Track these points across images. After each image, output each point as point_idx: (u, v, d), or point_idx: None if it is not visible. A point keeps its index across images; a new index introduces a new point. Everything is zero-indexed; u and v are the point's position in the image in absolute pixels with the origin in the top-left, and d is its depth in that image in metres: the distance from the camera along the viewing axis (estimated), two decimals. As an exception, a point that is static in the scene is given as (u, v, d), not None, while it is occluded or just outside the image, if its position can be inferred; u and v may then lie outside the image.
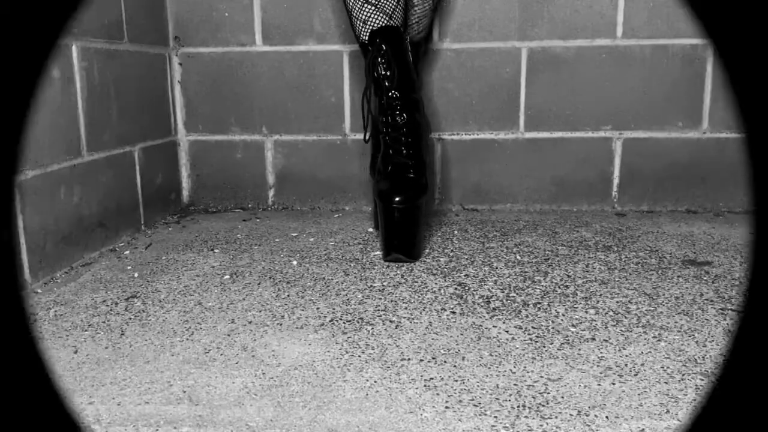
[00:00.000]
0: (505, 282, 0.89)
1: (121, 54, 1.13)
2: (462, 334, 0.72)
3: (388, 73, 1.01)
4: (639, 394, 0.59)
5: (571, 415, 0.55)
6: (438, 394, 0.59)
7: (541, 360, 0.66)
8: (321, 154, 1.36)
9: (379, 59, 1.02)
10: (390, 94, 1.01)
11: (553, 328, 0.74)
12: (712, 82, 1.27)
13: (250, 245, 1.10)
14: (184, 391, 0.61)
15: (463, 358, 0.66)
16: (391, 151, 1.00)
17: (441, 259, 1.00)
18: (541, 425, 0.54)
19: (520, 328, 0.74)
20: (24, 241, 0.87)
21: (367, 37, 1.04)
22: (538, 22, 1.28)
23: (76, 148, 1.00)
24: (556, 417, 0.55)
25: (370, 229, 1.19)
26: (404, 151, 0.99)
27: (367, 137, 1.07)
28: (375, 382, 0.62)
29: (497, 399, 0.58)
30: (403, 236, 0.96)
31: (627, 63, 1.28)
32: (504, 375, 0.63)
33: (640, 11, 1.26)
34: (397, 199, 0.95)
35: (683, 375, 0.62)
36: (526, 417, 0.55)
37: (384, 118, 1.01)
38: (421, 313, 0.78)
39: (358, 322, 0.76)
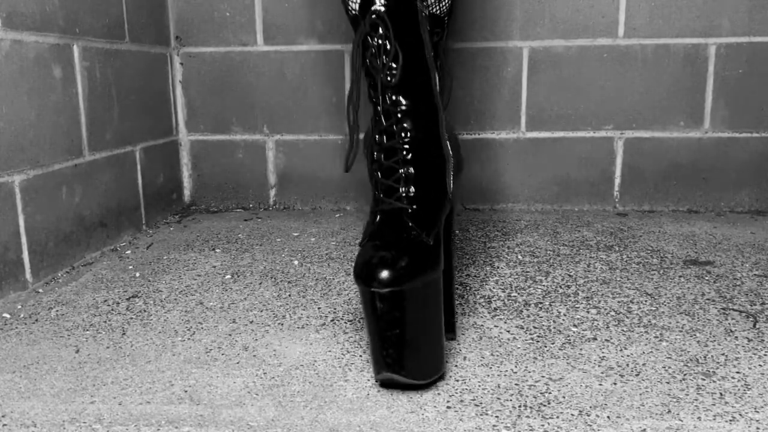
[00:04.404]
0: (507, 282, 0.89)
1: (123, 54, 1.13)
2: (463, 334, 0.72)
3: (387, 63, 0.65)
4: (640, 394, 0.59)
5: (572, 415, 0.55)
6: (439, 393, 0.59)
7: (543, 360, 0.66)
8: (322, 154, 1.36)
9: (374, 39, 0.65)
10: (387, 97, 0.65)
11: (554, 327, 0.74)
12: (714, 82, 1.27)
13: (251, 245, 1.10)
14: (186, 391, 0.61)
15: (465, 358, 0.66)
16: (380, 193, 0.63)
17: (442, 258, 1.00)
18: (543, 425, 0.54)
19: (522, 327, 0.74)
20: (25, 241, 0.87)
21: (357, 5, 0.69)
22: (540, 22, 1.28)
23: (77, 147, 1.00)
24: (558, 417, 0.55)
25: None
26: (401, 190, 0.62)
27: (349, 163, 0.69)
28: (376, 381, 0.62)
29: (498, 399, 0.58)
30: (396, 343, 0.56)
31: (628, 62, 1.28)
32: (505, 375, 0.63)
33: (642, 11, 1.26)
34: (380, 276, 0.55)
35: (685, 375, 0.62)
36: (527, 417, 0.55)
37: (376, 136, 0.66)
38: (422, 312, 0.78)
39: (360, 322, 0.76)
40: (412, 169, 0.63)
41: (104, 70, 1.07)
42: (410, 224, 0.61)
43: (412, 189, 0.62)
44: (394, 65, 0.65)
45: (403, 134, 0.64)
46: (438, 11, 0.79)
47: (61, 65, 0.95)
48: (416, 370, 0.57)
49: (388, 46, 0.64)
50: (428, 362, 0.58)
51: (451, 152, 0.68)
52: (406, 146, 0.64)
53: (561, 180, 1.33)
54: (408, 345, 0.57)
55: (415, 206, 0.62)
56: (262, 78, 1.34)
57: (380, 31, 0.64)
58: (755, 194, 1.30)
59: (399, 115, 0.65)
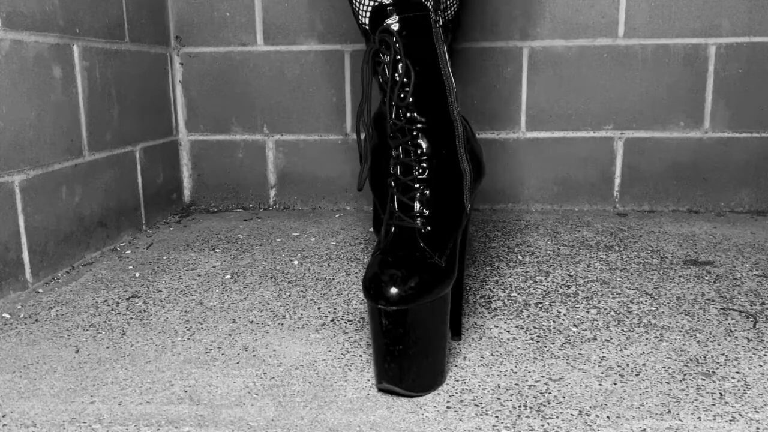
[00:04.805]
0: (507, 282, 0.89)
1: (123, 54, 1.13)
2: (463, 334, 0.72)
3: (399, 80, 0.64)
4: (640, 394, 0.59)
5: (572, 415, 0.55)
6: (439, 393, 0.59)
7: (543, 360, 0.66)
8: (322, 154, 1.36)
9: (384, 56, 0.64)
10: (402, 113, 0.64)
11: (554, 328, 0.74)
12: (714, 82, 1.27)
13: (251, 245, 1.10)
14: (186, 391, 0.61)
15: (465, 358, 0.66)
16: (395, 207, 0.63)
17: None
18: (543, 425, 0.54)
19: (522, 327, 0.74)
20: (25, 241, 0.87)
21: (367, 19, 0.67)
22: (540, 22, 1.28)
23: (77, 147, 1.00)
24: (558, 417, 0.55)
25: (371, 229, 1.19)
26: (416, 209, 0.62)
27: (362, 181, 0.68)
28: (376, 387, 0.62)
29: (498, 399, 0.58)
30: (398, 358, 0.57)
31: (628, 62, 1.28)
32: (505, 375, 0.63)
33: (642, 11, 1.26)
34: (388, 295, 0.56)
35: (685, 375, 0.62)
36: (527, 417, 0.55)
37: (392, 151, 0.65)
38: (422, 312, 0.78)
39: (360, 322, 0.76)
40: (427, 190, 0.63)
41: (104, 70, 1.07)
42: (422, 245, 0.60)
43: (427, 210, 0.62)
44: (406, 81, 0.63)
45: (419, 151, 0.64)
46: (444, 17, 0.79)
47: (61, 65, 0.95)
48: (416, 384, 0.59)
49: (400, 64, 0.63)
50: (428, 377, 0.59)
51: (470, 166, 0.67)
52: (423, 164, 0.63)
53: (561, 180, 1.33)
54: (409, 361, 0.57)
55: (429, 227, 0.61)
56: (262, 78, 1.34)
57: (390, 48, 0.63)
58: (755, 194, 1.30)
59: (414, 132, 0.64)
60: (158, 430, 0.54)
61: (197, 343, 0.71)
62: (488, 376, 0.62)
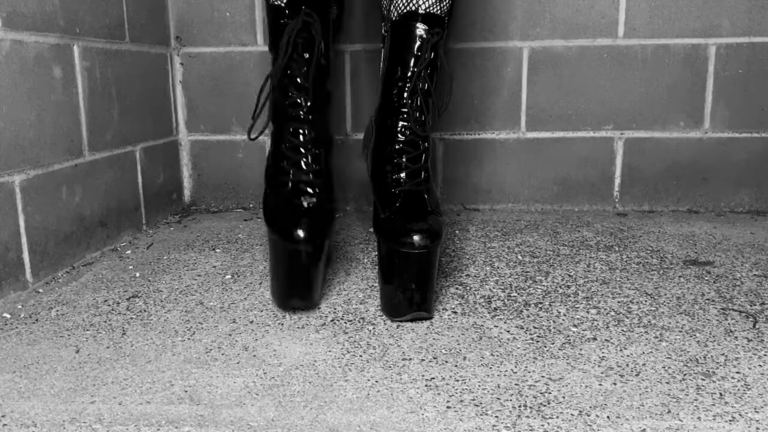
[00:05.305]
0: (507, 282, 0.89)
1: (123, 54, 1.13)
2: (463, 334, 0.72)
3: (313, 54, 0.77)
4: (640, 394, 0.59)
5: (572, 415, 0.55)
6: (439, 393, 0.59)
7: (543, 360, 0.66)
8: (322, 154, 1.36)
9: (302, 32, 0.77)
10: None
11: (554, 328, 0.74)
12: (714, 82, 1.27)
13: (251, 245, 1.10)
14: (186, 391, 0.61)
15: (465, 358, 0.66)
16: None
17: (442, 259, 1.00)
18: (543, 425, 0.54)
19: (522, 327, 0.74)
20: (25, 241, 0.87)
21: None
22: (540, 22, 1.28)
23: (77, 147, 1.00)
24: (558, 417, 0.55)
25: (371, 229, 1.19)
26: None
27: (252, 132, 0.84)
28: (376, 381, 0.62)
29: (498, 399, 0.58)
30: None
31: (628, 63, 1.28)
32: (505, 375, 0.63)
33: (642, 11, 1.26)
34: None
35: (684, 375, 0.62)
36: (527, 417, 0.55)
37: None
38: (422, 312, 0.78)
39: (360, 322, 0.76)
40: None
41: (104, 70, 1.07)
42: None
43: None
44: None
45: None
46: (438, 11, 0.79)
47: (61, 65, 0.95)
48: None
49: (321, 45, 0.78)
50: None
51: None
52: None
53: (561, 180, 1.33)
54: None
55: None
56: (261, 78, 1.34)
57: (311, 31, 0.77)
58: (755, 194, 1.30)
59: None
60: (158, 430, 0.54)
61: (197, 343, 0.71)
62: (488, 376, 0.62)
